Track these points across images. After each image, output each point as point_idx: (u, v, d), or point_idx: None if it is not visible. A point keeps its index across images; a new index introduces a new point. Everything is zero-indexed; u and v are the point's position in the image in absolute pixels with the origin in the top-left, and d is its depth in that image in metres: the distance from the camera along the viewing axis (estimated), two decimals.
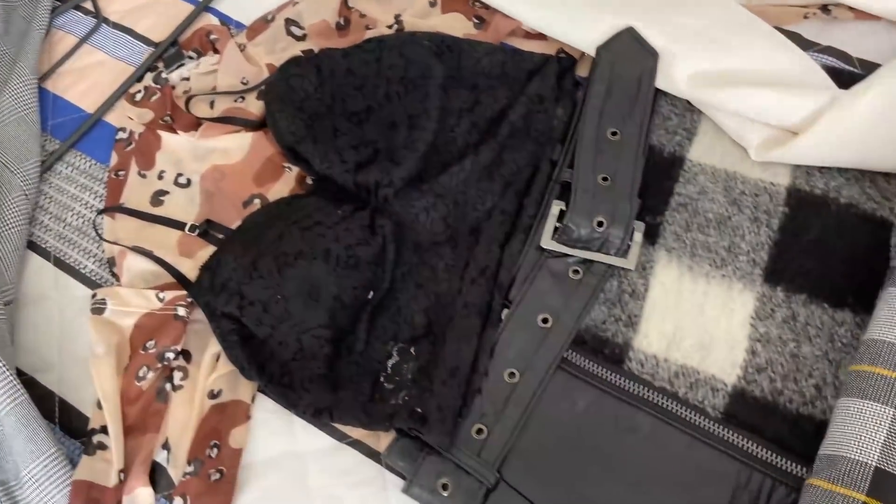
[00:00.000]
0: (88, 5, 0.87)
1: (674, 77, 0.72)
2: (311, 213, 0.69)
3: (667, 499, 0.58)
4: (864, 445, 0.53)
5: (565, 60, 0.77)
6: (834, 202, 0.68)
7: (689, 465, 0.59)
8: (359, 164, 0.71)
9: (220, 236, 0.71)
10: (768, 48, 0.72)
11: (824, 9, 0.78)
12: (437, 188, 0.70)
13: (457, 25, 0.80)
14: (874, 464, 0.52)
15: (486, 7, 0.82)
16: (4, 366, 0.61)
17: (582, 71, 0.77)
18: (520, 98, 0.74)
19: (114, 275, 0.70)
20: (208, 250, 0.70)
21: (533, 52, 0.77)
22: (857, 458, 0.52)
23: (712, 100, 0.71)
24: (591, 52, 0.75)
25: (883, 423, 0.53)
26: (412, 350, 0.65)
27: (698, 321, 0.64)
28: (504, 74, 0.77)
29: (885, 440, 0.52)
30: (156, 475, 0.62)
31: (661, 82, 0.72)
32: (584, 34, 0.75)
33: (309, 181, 0.74)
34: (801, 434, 0.59)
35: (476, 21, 0.81)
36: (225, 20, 0.85)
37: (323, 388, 0.63)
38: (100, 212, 0.73)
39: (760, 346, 0.63)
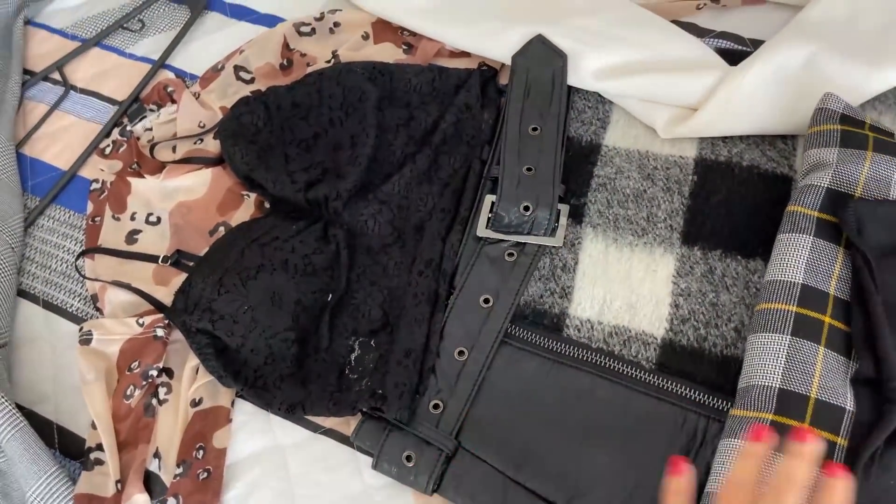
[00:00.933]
0: (56, 76, 0.96)
1: (582, 73, 0.80)
2: (268, 230, 0.76)
3: (611, 447, 0.64)
4: (768, 372, 0.59)
5: (487, 72, 0.85)
6: (737, 166, 0.75)
7: (629, 414, 0.65)
8: (308, 182, 0.78)
9: (191, 263, 0.78)
10: (664, 38, 0.80)
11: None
12: (382, 196, 0.78)
13: (388, 53, 0.89)
14: (778, 385, 0.58)
15: (413, 34, 0.90)
16: (3, 397, 0.68)
17: (503, 80, 0.85)
18: (450, 109, 0.82)
19: (97, 309, 0.77)
20: (181, 277, 0.77)
21: (458, 68, 0.85)
22: (763, 383, 0.59)
23: (619, 90, 0.79)
24: (508, 61, 0.83)
25: (781, 350, 0.59)
26: (372, 342, 0.72)
27: (625, 284, 0.71)
28: (434, 90, 0.85)
29: (784, 364, 0.59)
30: (150, 483, 0.68)
31: (572, 79, 0.80)
32: (499, 47, 0.83)
33: (266, 205, 0.81)
34: (727, 373, 0.65)
35: (405, 47, 0.89)
36: (180, 74, 0.93)
37: (294, 385, 0.69)
38: (80, 254, 0.80)
39: (682, 299, 0.69)
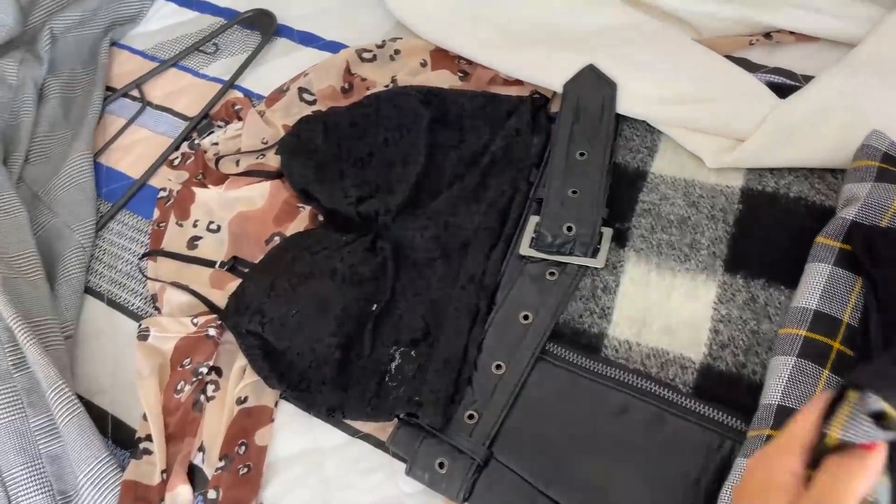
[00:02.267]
0: (135, 93, 1.03)
1: (632, 102, 0.81)
2: (320, 240, 0.79)
3: (643, 467, 0.64)
4: (772, 390, 0.60)
5: (538, 100, 0.87)
6: (784, 197, 0.75)
7: (663, 435, 0.65)
8: (360, 197, 0.82)
9: (245, 270, 0.82)
10: (715, 71, 0.82)
11: (767, 36, 0.87)
12: (429, 212, 0.80)
13: (444, 80, 0.92)
14: (776, 403, 0.58)
15: (469, 62, 0.93)
16: (64, 383, 0.72)
17: (555, 108, 0.88)
18: (500, 132, 0.85)
19: (156, 308, 0.82)
20: (236, 282, 0.81)
21: (510, 95, 0.88)
22: (766, 402, 0.60)
23: (667, 119, 0.80)
24: (560, 89, 0.85)
25: (786, 370, 0.60)
26: (412, 352, 0.74)
27: (665, 308, 0.71)
28: (485, 115, 0.87)
29: (786, 382, 0.59)
30: (193, 475, 0.71)
31: (621, 107, 0.82)
32: (551, 75, 0.86)
33: (320, 217, 0.85)
34: None
35: (461, 74, 0.93)
36: (248, 94, 0.99)
37: (335, 389, 0.72)
38: (143, 255, 0.85)
39: (723, 325, 0.69)
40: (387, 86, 0.93)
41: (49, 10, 1.04)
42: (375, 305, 0.76)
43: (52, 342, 0.76)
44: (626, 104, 0.82)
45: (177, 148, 0.95)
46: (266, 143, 0.91)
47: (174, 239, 0.86)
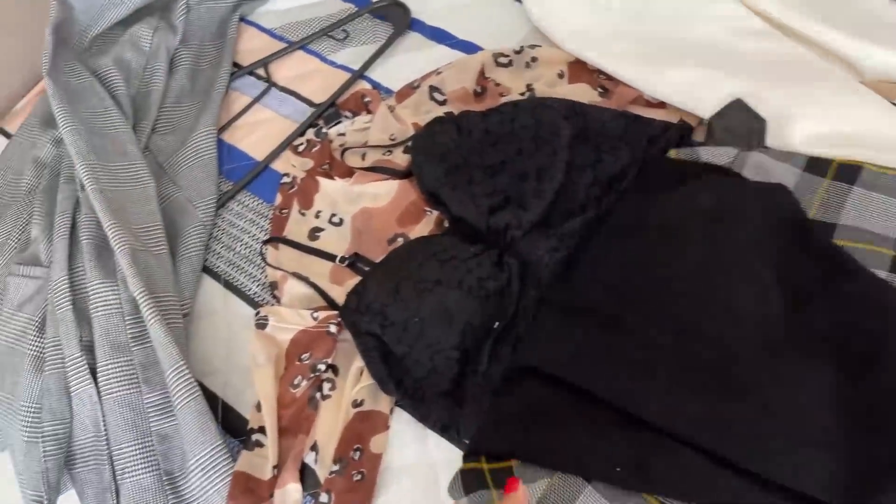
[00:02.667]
0: (261, 72, 1.02)
1: (788, 139, 0.78)
2: (447, 247, 0.77)
3: None
4: None
5: (683, 127, 0.84)
6: None
7: None
8: (491, 208, 0.79)
9: (366, 268, 0.80)
10: (878, 115, 0.78)
11: None
12: (561, 234, 0.78)
13: (583, 94, 0.89)
14: None
15: (610, 78, 0.90)
16: (185, 364, 0.71)
17: (698, 137, 0.84)
18: (639, 157, 0.82)
19: (274, 296, 0.80)
20: (356, 279, 0.79)
21: (653, 119, 0.85)
22: None
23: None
24: (707, 117, 0.82)
25: None
26: None
27: None
28: (625, 137, 0.84)
29: None
30: (304, 474, 0.70)
31: (776, 142, 0.78)
32: (699, 103, 0.82)
33: (446, 224, 0.82)
34: None
35: (601, 90, 0.90)
36: (376, 86, 0.97)
37: (450, 404, 0.70)
38: (266, 241, 0.83)
39: None
40: (522, 94, 0.90)
41: None
42: (497, 323, 0.74)
43: (172, 319, 0.75)
44: (783, 141, 0.78)
45: (301, 134, 0.93)
46: (394, 139, 0.89)
47: (296, 228, 0.85)
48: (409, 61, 0.98)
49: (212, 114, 0.93)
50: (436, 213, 0.83)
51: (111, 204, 0.77)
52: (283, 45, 1.04)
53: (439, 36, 1.00)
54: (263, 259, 0.83)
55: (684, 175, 0.77)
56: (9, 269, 0.80)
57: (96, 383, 0.73)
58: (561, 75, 0.92)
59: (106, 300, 0.75)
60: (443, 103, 0.92)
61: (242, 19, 1.08)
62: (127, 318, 0.75)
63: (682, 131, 0.83)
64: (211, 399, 0.75)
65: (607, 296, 0.70)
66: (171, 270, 0.78)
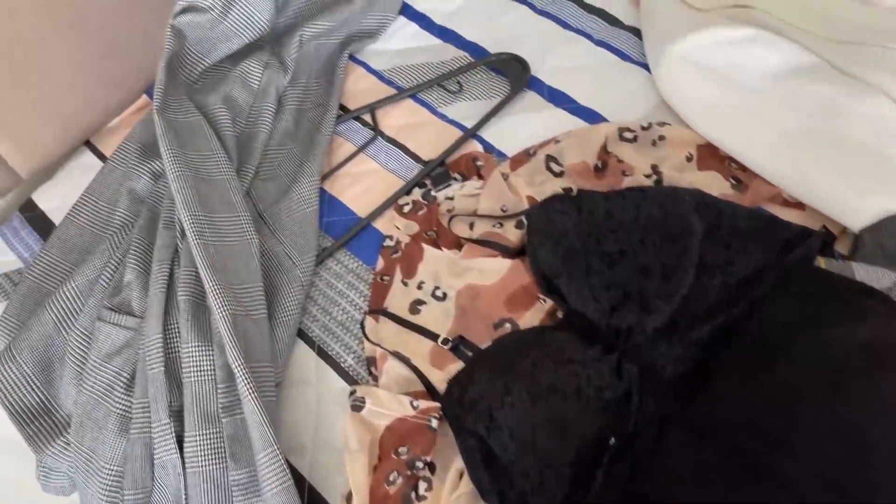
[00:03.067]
0: (367, 117, 0.97)
1: None
2: (563, 347, 0.72)
3: None
4: None
5: (826, 236, 0.77)
6: None
7: None
8: (612, 305, 0.74)
9: (470, 353, 0.75)
10: None
11: None
12: (686, 341, 0.72)
13: (713, 183, 0.83)
14: None
15: (743, 169, 0.84)
16: (277, 448, 0.67)
17: (840, 247, 0.77)
18: (774, 264, 0.75)
19: (371, 374, 0.76)
20: (457, 365, 0.74)
21: (791, 223, 0.78)
22: None
23: None
24: (855, 228, 0.75)
25: None
26: None
27: None
28: (760, 239, 0.78)
29: None
30: None
31: None
32: (848, 213, 0.76)
33: (559, 314, 0.77)
34: None
35: (734, 182, 0.83)
36: (488, 147, 0.92)
37: None
38: (367, 312, 0.79)
39: None
40: (648, 175, 0.84)
41: (299, 13, 0.99)
42: (613, 438, 0.68)
43: (266, 392, 0.71)
44: None
45: (407, 192, 0.88)
46: (506, 210, 0.84)
47: (397, 298, 0.80)
48: (525, 123, 0.93)
49: (316, 163, 0.89)
50: (549, 302, 0.77)
51: (214, 261, 0.73)
52: (391, 89, 0.99)
53: (558, 98, 0.95)
54: (363, 331, 0.78)
55: (835, 293, 0.71)
56: (99, 313, 0.77)
57: (181, 453, 0.69)
58: (689, 158, 0.86)
59: (200, 366, 0.71)
60: (559, 175, 0.87)
61: (351, 57, 1.03)
62: (219, 385, 0.71)
63: (824, 240, 0.77)
64: (297, 481, 0.71)
65: (748, 429, 0.64)
66: (268, 337, 0.74)
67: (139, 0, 1.00)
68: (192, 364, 0.71)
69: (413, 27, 1.06)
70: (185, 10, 0.87)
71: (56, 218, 0.93)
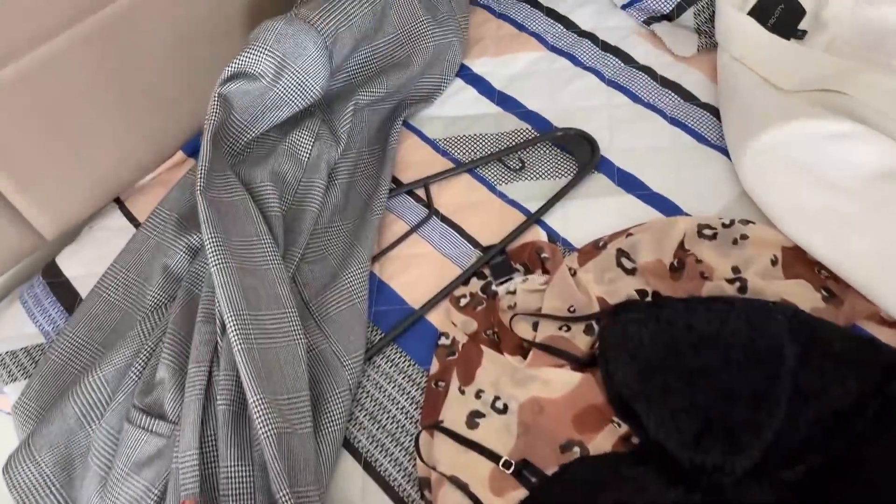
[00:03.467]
0: (420, 192, 0.90)
1: None
2: (644, 486, 0.65)
3: None
4: None
5: None
6: None
7: None
8: (695, 437, 0.67)
9: (534, 479, 0.68)
10: None
11: None
12: (777, 483, 0.64)
13: (804, 295, 0.75)
14: None
15: (836, 278, 0.77)
16: None
17: None
18: (876, 393, 0.68)
19: (423, 497, 0.69)
20: (519, 493, 0.67)
21: (891, 346, 0.71)
22: None
23: None
24: None
25: None
26: None
27: None
28: (857, 364, 0.70)
29: None
30: None
31: None
32: None
33: (634, 440, 0.70)
34: None
35: (825, 294, 0.76)
36: (552, 234, 0.85)
37: None
38: (422, 428, 0.72)
39: None
40: (730, 280, 0.77)
41: (353, 77, 0.92)
42: None
43: None
44: None
45: (465, 282, 0.81)
46: (573, 311, 0.77)
47: (454, 409, 0.73)
48: (592, 209, 0.86)
49: (367, 246, 0.82)
50: (624, 427, 0.70)
51: (258, 368, 0.66)
52: (446, 161, 0.92)
53: (629, 183, 0.87)
54: (417, 449, 0.71)
55: None
56: (128, 414, 0.70)
57: None
58: (774, 262, 0.79)
59: (239, 488, 0.64)
60: (632, 272, 0.80)
61: (404, 122, 0.96)
62: None
63: None
64: None
65: None
66: (313, 454, 0.67)
67: (180, 48, 0.93)
68: (230, 486, 0.64)
69: (471, 91, 0.99)
70: (233, 77, 0.80)
71: (81, 286, 0.87)
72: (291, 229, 0.81)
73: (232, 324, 0.67)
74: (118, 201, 0.96)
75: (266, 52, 0.80)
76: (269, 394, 0.65)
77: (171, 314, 0.75)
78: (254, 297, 0.71)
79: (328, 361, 0.74)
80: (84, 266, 0.88)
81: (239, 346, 0.66)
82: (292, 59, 0.81)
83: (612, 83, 0.96)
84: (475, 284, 0.81)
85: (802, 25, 0.98)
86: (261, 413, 0.64)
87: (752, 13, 0.96)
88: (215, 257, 0.70)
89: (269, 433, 0.63)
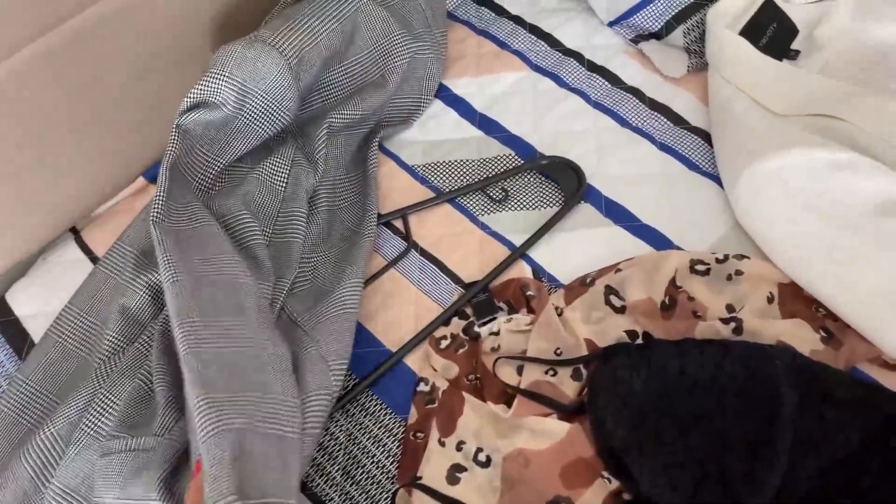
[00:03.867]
0: (398, 223, 0.85)
1: None
2: None
3: None
4: None
5: None
6: None
7: None
8: (691, 494, 0.62)
9: None
10: None
11: None
12: None
13: (803, 336, 0.71)
14: None
15: (834, 318, 0.73)
16: None
17: None
18: (877, 442, 0.64)
19: None
20: None
21: (893, 392, 0.67)
22: None
23: None
24: None
25: None
26: None
27: None
28: (857, 412, 0.67)
29: None
30: None
31: None
32: None
33: (625, 496, 0.66)
34: None
35: (824, 334, 0.72)
36: (538, 269, 0.80)
37: None
38: (399, 486, 0.67)
39: None
40: (724, 320, 0.73)
41: (326, 101, 0.86)
42: None
43: None
44: None
45: (445, 323, 0.77)
46: (560, 354, 0.72)
47: (434, 464, 0.68)
48: (578, 242, 0.81)
49: (359, 268, 0.77)
50: (616, 484, 0.66)
51: (207, 370, 0.59)
52: (426, 190, 0.87)
53: (617, 214, 0.83)
54: None
55: None
56: (102, 450, 0.65)
57: None
58: (770, 299, 0.75)
59: None
60: (621, 310, 0.75)
61: (382, 146, 0.91)
62: None
63: None
64: None
65: None
66: (292, 455, 0.60)
67: (144, 68, 0.87)
68: None
69: (451, 114, 0.94)
70: (193, 107, 0.75)
71: (32, 326, 0.81)
72: (277, 262, 0.76)
73: (178, 330, 0.61)
74: (74, 231, 0.90)
75: (225, 78, 0.75)
76: (222, 392, 0.59)
77: (154, 351, 0.69)
78: (210, 306, 0.64)
79: (315, 363, 0.68)
80: (35, 303, 0.83)
81: (185, 352, 0.60)
82: (254, 84, 0.76)
83: (598, 105, 0.92)
84: (457, 325, 0.77)
85: (795, 45, 0.94)
86: (202, 411, 0.57)
87: (743, 33, 0.92)
88: (167, 273, 0.64)
89: (211, 432, 0.57)
